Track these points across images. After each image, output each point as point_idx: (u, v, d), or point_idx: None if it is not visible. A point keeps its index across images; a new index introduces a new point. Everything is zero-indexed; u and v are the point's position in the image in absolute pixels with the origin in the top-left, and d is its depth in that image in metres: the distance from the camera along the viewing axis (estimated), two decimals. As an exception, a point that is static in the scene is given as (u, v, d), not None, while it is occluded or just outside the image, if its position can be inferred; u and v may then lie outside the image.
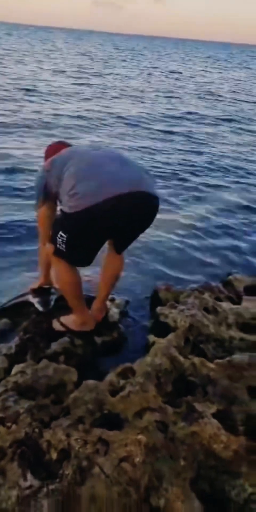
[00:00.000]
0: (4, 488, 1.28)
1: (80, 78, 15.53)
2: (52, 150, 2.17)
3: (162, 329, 2.27)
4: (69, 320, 2.20)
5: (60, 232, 1.85)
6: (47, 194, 2.06)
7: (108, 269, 2.22)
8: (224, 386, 1.79)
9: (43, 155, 2.27)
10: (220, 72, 25.14)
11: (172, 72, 21.92)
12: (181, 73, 21.85)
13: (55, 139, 2.61)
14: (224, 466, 1.47)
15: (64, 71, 17.06)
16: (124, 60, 27.63)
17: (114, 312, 2.43)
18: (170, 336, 2.12)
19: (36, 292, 2.42)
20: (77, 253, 1.91)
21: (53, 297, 2.42)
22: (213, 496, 1.45)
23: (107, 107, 10.29)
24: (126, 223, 1.91)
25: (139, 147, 6.98)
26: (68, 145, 2.23)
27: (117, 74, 18.07)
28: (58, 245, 1.88)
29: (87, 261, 1.98)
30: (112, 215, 1.79)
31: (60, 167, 1.93)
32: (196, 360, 1.93)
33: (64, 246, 1.86)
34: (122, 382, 1.74)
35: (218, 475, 1.47)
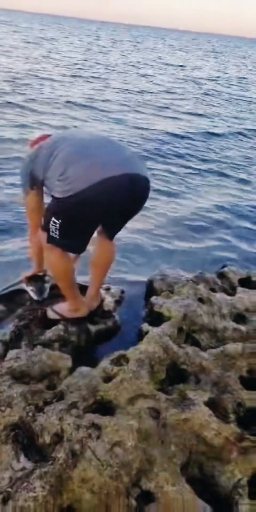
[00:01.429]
0: (-3, 470, 1.30)
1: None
2: (36, 143, 2.11)
3: (156, 318, 2.29)
4: (63, 307, 2.20)
5: (53, 219, 1.81)
6: (34, 181, 2.03)
7: (101, 256, 2.21)
8: (216, 375, 1.82)
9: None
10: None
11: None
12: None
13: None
14: (215, 452, 1.49)
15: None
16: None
17: (109, 301, 2.44)
18: (164, 325, 2.13)
19: (30, 280, 2.43)
20: (71, 240, 1.89)
21: (48, 285, 2.42)
22: (203, 481, 1.48)
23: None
24: (119, 205, 1.88)
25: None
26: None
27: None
28: (51, 233, 1.85)
29: (81, 247, 1.96)
30: (105, 198, 1.75)
31: (47, 153, 1.91)
32: (190, 349, 1.95)
33: (57, 233, 1.83)
34: (115, 369, 1.76)
35: (208, 461, 1.50)
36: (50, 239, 1.88)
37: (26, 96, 8.99)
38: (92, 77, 13.43)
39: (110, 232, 2.11)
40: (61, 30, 48.48)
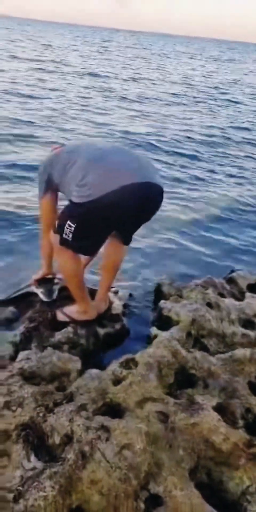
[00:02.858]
0: (9, 469, 1.32)
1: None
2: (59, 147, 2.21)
3: (165, 322, 2.30)
4: (72, 310, 2.23)
5: (68, 222, 1.87)
6: (49, 185, 2.11)
7: (110, 258, 2.25)
8: (225, 380, 1.82)
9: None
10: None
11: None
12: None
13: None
14: (223, 457, 1.50)
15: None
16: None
17: (117, 304, 2.46)
18: (173, 329, 2.15)
19: (39, 282, 2.46)
20: (84, 243, 1.95)
21: (57, 287, 2.45)
22: (211, 487, 1.48)
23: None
24: (133, 212, 1.94)
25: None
26: None
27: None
28: (64, 235, 1.91)
29: (92, 251, 2.03)
30: (120, 205, 1.82)
31: (65, 159, 1.99)
32: (198, 353, 1.96)
33: (70, 235, 1.89)
34: (124, 372, 1.77)
35: (216, 466, 1.50)
36: (63, 241, 1.93)
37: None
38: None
39: (123, 236, 2.16)
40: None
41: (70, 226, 1.87)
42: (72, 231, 1.87)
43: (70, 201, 1.89)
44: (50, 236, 2.06)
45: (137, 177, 1.83)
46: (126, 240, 2.19)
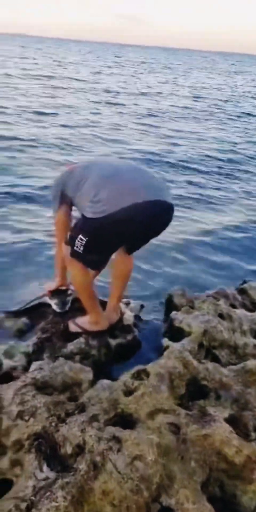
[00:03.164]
0: (21, 478, 1.33)
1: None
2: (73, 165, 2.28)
3: (177, 333, 2.30)
4: (84, 321, 2.26)
5: (80, 235, 1.93)
6: (63, 199, 2.17)
7: (119, 268, 2.29)
8: (237, 392, 1.81)
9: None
10: None
11: None
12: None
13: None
14: (236, 470, 1.48)
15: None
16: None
17: (128, 315, 2.47)
18: (184, 340, 2.14)
19: (53, 293, 2.48)
20: (93, 256, 2.00)
21: (70, 298, 2.48)
22: (224, 500, 1.47)
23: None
24: (143, 228, 1.99)
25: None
26: None
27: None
28: (75, 247, 1.97)
29: (100, 264, 2.09)
30: (131, 221, 1.88)
31: (79, 175, 2.05)
32: (210, 365, 1.95)
33: (81, 248, 1.94)
34: (136, 383, 1.77)
35: (229, 479, 1.49)
36: (74, 253, 1.99)
37: None
38: None
39: (131, 249, 2.20)
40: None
41: (81, 239, 1.92)
42: (83, 244, 1.92)
43: (83, 216, 1.94)
44: (62, 247, 2.11)
45: (148, 194, 1.87)
46: (130, 251, 2.23)
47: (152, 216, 1.92)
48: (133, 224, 1.90)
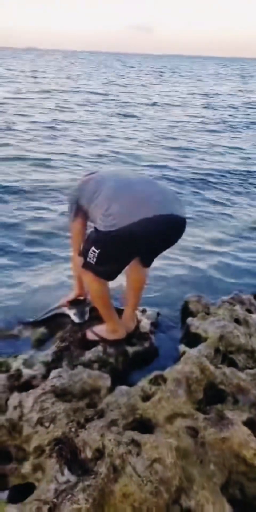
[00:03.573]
0: (43, 482, 1.37)
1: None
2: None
3: (193, 339, 2.31)
4: (102, 329, 2.29)
5: (93, 248, 1.98)
6: (79, 210, 2.22)
7: (133, 278, 2.34)
8: (255, 396, 1.81)
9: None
10: None
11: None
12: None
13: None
14: (255, 473, 1.48)
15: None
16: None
17: (145, 323, 2.50)
18: (201, 346, 2.16)
19: (72, 303, 2.53)
20: (105, 268, 2.04)
21: (88, 308, 2.52)
22: (245, 503, 1.47)
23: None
24: (155, 242, 2.04)
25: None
26: None
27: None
28: (88, 259, 2.02)
29: (112, 276, 2.11)
30: (143, 236, 1.92)
31: (93, 188, 2.10)
32: (227, 369, 1.96)
33: (94, 260, 1.99)
34: (153, 388, 1.80)
35: (249, 482, 1.49)
36: (86, 264, 2.04)
37: None
38: None
39: (144, 260, 2.24)
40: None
41: (94, 251, 1.97)
42: (96, 256, 1.97)
43: (95, 228, 1.99)
44: (76, 258, 2.16)
45: (160, 209, 1.90)
46: (147, 263, 2.27)
47: (163, 231, 1.96)
48: (145, 238, 1.95)
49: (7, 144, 7.71)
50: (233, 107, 15.26)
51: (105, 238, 1.93)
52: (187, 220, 2.06)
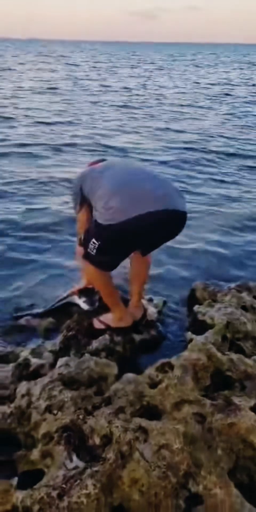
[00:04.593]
0: (52, 468, 1.39)
1: None
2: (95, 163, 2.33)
3: (200, 327, 2.31)
4: (108, 317, 2.30)
5: (93, 239, 1.98)
6: (83, 200, 2.23)
7: (136, 268, 2.34)
8: (262, 381, 1.80)
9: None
10: None
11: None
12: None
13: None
14: (263, 458, 1.49)
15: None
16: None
17: (152, 311, 2.50)
18: (208, 333, 2.15)
19: (81, 292, 2.55)
20: (105, 259, 2.04)
21: (97, 296, 2.53)
22: (252, 488, 1.47)
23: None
24: (155, 236, 2.05)
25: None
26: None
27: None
28: (88, 249, 2.02)
29: (112, 267, 2.12)
30: (143, 229, 1.92)
31: (94, 180, 2.10)
32: (234, 356, 1.95)
33: (94, 251, 2.00)
34: (160, 375, 1.80)
35: (256, 467, 1.49)
36: (86, 255, 2.05)
37: None
38: None
39: (144, 252, 2.24)
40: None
41: (94, 243, 1.98)
42: (96, 247, 1.97)
43: (95, 221, 1.99)
44: (77, 248, 2.17)
45: (161, 203, 1.90)
46: (144, 254, 2.26)
47: (164, 225, 1.96)
48: (145, 232, 1.95)
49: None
50: None
51: (105, 231, 1.93)
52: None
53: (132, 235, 1.94)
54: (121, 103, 12.24)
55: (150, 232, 1.97)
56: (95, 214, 2.00)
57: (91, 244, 1.99)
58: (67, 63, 29.32)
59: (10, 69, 21.60)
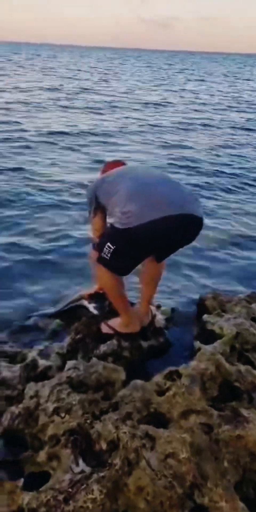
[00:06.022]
0: (58, 471, 1.39)
1: None
2: (109, 167, 2.35)
3: (208, 336, 2.30)
4: (116, 322, 2.30)
5: (108, 243, 1.99)
6: (98, 206, 2.23)
7: (148, 274, 2.33)
8: (270, 394, 1.79)
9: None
10: None
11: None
12: None
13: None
14: (270, 473, 1.47)
15: None
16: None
17: (160, 318, 2.50)
18: (216, 343, 2.14)
19: (92, 297, 2.55)
20: (119, 264, 2.05)
21: (108, 302, 2.53)
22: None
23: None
24: (171, 241, 2.05)
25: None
26: (124, 164, 2.40)
27: None
28: (102, 254, 2.02)
29: (125, 272, 2.12)
30: (159, 234, 1.93)
31: (110, 186, 2.11)
32: (242, 367, 1.94)
33: (109, 255, 2.00)
34: (168, 383, 1.80)
35: (263, 481, 1.48)
36: (100, 259, 2.05)
37: None
38: None
39: (158, 257, 2.24)
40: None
41: (109, 247, 1.98)
42: (110, 251, 1.98)
43: (112, 225, 2.00)
44: (91, 251, 2.16)
45: (177, 209, 1.91)
46: (159, 260, 2.26)
47: (179, 230, 1.96)
48: (161, 237, 1.95)
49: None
50: None
51: (121, 236, 1.93)
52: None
53: (148, 240, 1.94)
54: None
55: (166, 237, 1.97)
56: (112, 219, 2.01)
57: (106, 248, 1.99)
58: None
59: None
